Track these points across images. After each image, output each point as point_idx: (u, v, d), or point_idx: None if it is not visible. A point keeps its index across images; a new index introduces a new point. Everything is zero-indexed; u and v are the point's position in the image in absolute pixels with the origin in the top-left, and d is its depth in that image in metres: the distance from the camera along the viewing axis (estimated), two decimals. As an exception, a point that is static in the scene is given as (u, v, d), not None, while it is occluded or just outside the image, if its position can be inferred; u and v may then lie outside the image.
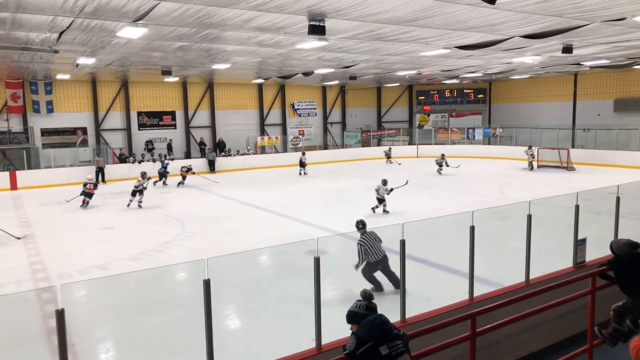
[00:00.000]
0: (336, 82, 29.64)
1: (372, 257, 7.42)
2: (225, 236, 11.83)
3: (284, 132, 31.58)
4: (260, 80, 27.58)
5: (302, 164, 23.73)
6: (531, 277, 5.61)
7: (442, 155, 22.69)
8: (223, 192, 18.62)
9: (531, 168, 23.53)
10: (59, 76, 22.64)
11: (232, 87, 29.65)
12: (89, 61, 17.02)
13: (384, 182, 14.06)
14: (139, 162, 23.69)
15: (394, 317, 4.08)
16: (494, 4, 8.72)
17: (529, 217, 5.57)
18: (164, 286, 7.74)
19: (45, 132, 24.64)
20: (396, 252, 4.91)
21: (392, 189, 14.00)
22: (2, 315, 5.44)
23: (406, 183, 15.24)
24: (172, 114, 28.16)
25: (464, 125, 32.71)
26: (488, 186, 18.52)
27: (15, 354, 6.11)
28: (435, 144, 31.51)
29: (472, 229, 5.08)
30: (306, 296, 4.58)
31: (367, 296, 3.52)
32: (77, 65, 18.09)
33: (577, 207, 6.01)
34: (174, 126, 28.24)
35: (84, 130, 25.63)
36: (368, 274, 7.46)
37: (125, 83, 26.24)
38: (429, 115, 34.43)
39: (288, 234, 11.62)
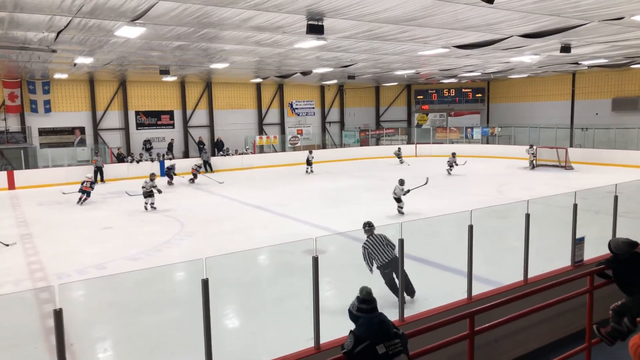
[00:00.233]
0: (334, 81, 29.63)
1: (377, 261, 7.13)
2: (225, 236, 11.82)
3: (283, 132, 31.57)
4: (258, 80, 27.55)
5: (309, 162, 23.97)
6: (529, 276, 5.62)
7: (453, 154, 22.35)
8: (222, 192, 18.60)
9: (532, 167, 23.55)
10: (57, 75, 22.59)
11: (231, 87, 29.61)
12: (87, 61, 16.98)
13: (401, 182, 13.55)
14: (137, 162, 23.68)
15: (393, 317, 4.08)
16: (492, 3, 8.73)
17: (527, 216, 5.58)
18: (162, 286, 7.74)
19: (43, 132, 24.55)
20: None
21: (408, 190, 13.48)
22: (0, 315, 5.44)
23: (426, 182, 14.58)
24: (170, 113, 28.11)
25: (462, 125, 32.72)
26: (487, 185, 18.53)
27: (13, 354, 6.10)
28: (433, 143, 31.54)
29: (471, 228, 5.08)
30: (305, 295, 4.58)
31: (365, 294, 3.43)
32: (75, 64, 18.06)
33: (575, 206, 6.02)
34: (172, 126, 28.19)
35: (81, 130, 25.56)
36: (384, 280, 7.13)
37: (123, 82, 26.17)
38: (427, 115, 34.43)
39: (287, 233, 11.61)
